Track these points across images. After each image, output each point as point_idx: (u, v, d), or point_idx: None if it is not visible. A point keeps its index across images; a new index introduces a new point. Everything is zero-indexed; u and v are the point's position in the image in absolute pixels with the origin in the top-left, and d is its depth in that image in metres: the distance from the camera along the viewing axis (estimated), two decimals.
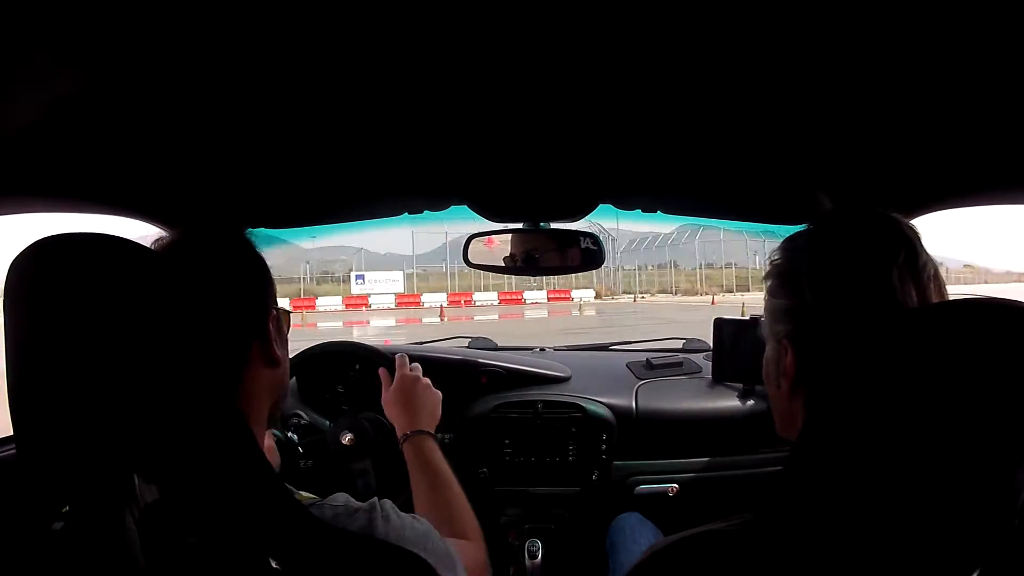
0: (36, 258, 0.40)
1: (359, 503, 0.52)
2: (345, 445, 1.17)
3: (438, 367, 1.47)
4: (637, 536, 1.12)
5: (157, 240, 0.57)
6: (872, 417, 0.38)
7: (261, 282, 0.59)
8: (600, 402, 1.41)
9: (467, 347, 1.81)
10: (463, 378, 1.46)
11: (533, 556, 1.22)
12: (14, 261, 0.39)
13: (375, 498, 0.53)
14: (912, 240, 0.49)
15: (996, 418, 0.35)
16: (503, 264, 1.30)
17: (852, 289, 0.48)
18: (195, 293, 0.44)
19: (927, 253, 0.50)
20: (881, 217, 0.51)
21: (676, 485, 1.36)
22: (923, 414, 0.37)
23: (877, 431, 0.38)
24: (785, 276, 0.53)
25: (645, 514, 1.26)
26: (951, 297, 0.48)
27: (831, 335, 0.48)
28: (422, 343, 1.82)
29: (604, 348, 1.90)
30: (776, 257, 0.56)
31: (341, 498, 0.52)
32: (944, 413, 0.36)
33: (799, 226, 0.56)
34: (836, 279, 0.49)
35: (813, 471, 0.41)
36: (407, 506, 1.14)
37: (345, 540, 0.47)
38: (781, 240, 0.57)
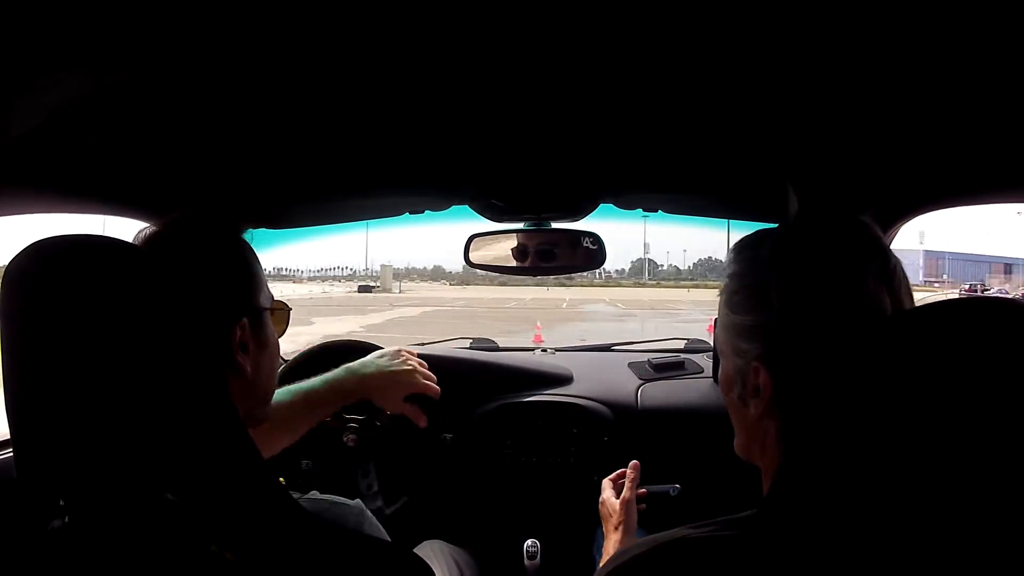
0: (28, 263, 0.40)
1: (347, 500, 0.52)
2: (348, 446, 1.18)
3: (440, 367, 1.47)
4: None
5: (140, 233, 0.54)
6: (865, 436, 0.37)
7: (226, 293, 0.53)
8: (602, 403, 1.40)
9: (469, 347, 1.81)
10: (465, 378, 1.46)
11: (532, 556, 1.22)
12: (8, 266, 0.40)
13: (359, 500, 0.53)
14: (883, 245, 0.47)
15: (1001, 420, 0.34)
16: (504, 264, 1.30)
17: (828, 303, 0.43)
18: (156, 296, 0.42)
19: (895, 256, 0.46)
20: (852, 222, 0.47)
21: (678, 485, 1.35)
22: (923, 427, 0.35)
23: (870, 450, 0.37)
24: (751, 289, 0.47)
25: (646, 514, 1.26)
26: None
27: (811, 357, 0.43)
28: (424, 343, 1.82)
29: (606, 349, 1.89)
30: (735, 267, 0.50)
31: (327, 500, 0.52)
32: (948, 424, 0.35)
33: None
34: (810, 294, 0.44)
35: (798, 492, 0.40)
36: (407, 510, 1.14)
37: (340, 534, 0.48)
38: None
